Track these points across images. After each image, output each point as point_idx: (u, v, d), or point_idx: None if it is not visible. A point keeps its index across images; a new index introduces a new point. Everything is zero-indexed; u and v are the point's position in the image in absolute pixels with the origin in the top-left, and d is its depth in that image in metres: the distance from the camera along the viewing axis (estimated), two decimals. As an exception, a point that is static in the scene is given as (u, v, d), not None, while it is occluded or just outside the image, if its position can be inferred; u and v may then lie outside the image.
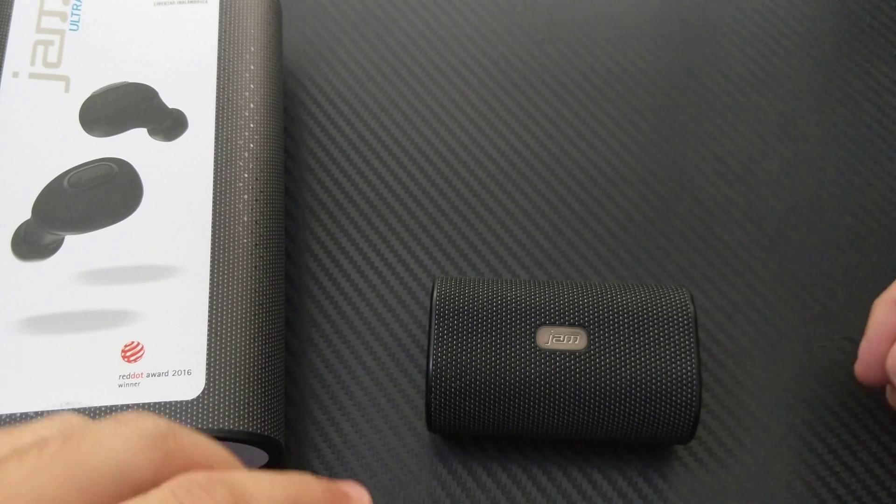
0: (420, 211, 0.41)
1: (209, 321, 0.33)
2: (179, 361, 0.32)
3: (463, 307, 0.34)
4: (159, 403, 0.31)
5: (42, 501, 0.17)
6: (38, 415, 0.31)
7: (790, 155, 0.43)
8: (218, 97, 0.38)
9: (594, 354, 0.33)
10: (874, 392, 0.38)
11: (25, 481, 0.17)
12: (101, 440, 0.18)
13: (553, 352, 0.33)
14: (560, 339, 0.33)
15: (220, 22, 0.39)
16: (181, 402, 0.31)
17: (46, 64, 0.38)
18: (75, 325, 0.33)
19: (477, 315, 0.33)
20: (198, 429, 0.31)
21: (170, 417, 0.31)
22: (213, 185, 0.36)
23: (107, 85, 0.38)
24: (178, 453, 0.19)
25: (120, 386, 0.32)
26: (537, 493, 0.35)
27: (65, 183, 0.35)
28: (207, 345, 0.32)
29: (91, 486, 0.18)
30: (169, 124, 0.37)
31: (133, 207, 0.35)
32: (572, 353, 0.33)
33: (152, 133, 0.37)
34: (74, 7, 0.40)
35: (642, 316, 0.33)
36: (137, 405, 0.31)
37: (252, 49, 0.39)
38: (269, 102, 0.39)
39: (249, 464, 0.33)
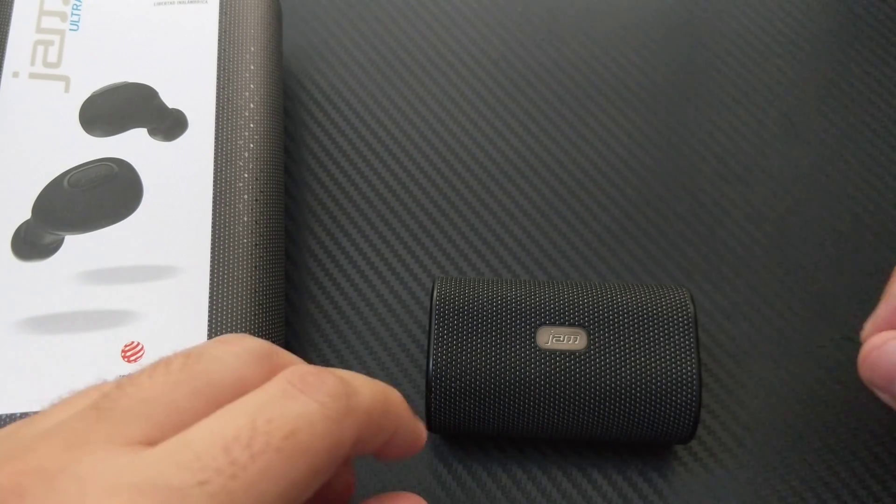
0: (420, 211, 0.41)
1: (209, 321, 0.33)
2: (179, 361, 0.32)
3: (463, 307, 0.34)
4: (159, 403, 0.31)
5: (177, 409, 0.19)
6: (38, 415, 0.31)
7: (790, 155, 0.43)
8: (218, 97, 0.38)
9: (594, 354, 0.33)
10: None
11: (160, 391, 0.19)
12: (218, 357, 0.20)
13: (553, 352, 0.33)
14: (560, 339, 0.33)
15: (220, 22, 0.39)
16: (181, 402, 0.31)
17: (46, 64, 0.38)
18: (75, 325, 0.33)
19: (477, 315, 0.33)
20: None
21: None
22: (213, 185, 0.36)
23: (107, 85, 0.38)
24: (282, 368, 0.20)
25: (120, 386, 0.32)
26: (537, 493, 0.35)
27: (65, 183, 0.35)
28: (207, 345, 0.32)
29: (215, 397, 0.19)
30: (169, 124, 0.37)
31: (133, 207, 0.35)
32: (572, 353, 0.33)
33: (152, 133, 0.37)
34: (74, 7, 0.40)
35: (642, 316, 0.33)
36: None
37: (252, 49, 0.39)
38: (269, 102, 0.39)
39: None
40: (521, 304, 0.34)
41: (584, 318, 0.33)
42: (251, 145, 0.37)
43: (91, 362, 0.32)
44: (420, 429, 0.25)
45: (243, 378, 0.20)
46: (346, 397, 0.20)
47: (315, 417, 0.19)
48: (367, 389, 0.21)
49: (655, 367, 0.33)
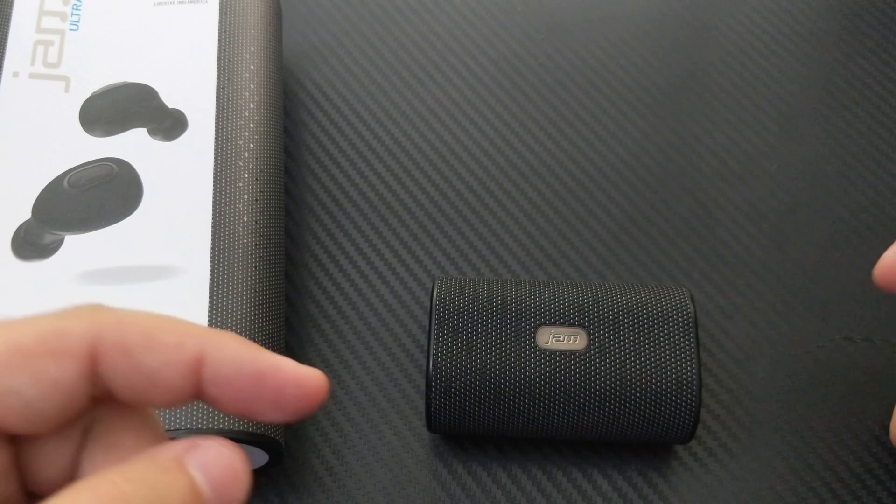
0: (420, 211, 0.41)
1: (209, 321, 0.33)
2: (179, 361, 0.32)
3: (463, 307, 0.34)
4: (159, 403, 0.31)
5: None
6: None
7: (790, 155, 0.43)
8: (218, 97, 0.38)
9: (594, 354, 0.33)
10: (874, 391, 0.38)
11: None
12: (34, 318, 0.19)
13: (553, 352, 0.33)
14: (560, 339, 0.33)
15: (220, 22, 0.39)
16: (181, 402, 0.31)
17: (46, 64, 0.38)
18: (75, 325, 0.33)
19: (477, 315, 0.33)
20: (198, 429, 0.31)
21: (170, 417, 0.31)
22: (213, 185, 0.36)
23: (107, 85, 0.38)
24: (109, 320, 0.19)
25: (120, 386, 0.31)
26: (537, 493, 0.35)
27: (65, 183, 0.35)
28: (207, 345, 0.32)
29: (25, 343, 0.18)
30: (169, 124, 0.37)
31: (133, 207, 0.35)
32: (572, 353, 0.33)
33: (152, 133, 0.37)
34: (74, 7, 0.40)
35: (642, 316, 0.34)
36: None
37: (252, 49, 0.39)
38: (269, 102, 0.39)
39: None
40: (521, 304, 0.34)
41: (584, 318, 0.33)
42: (251, 145, 0.37)
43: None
44: (298, 371, 0.19)
45: (62, 326, 0.19)
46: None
47: None
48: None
49: (655, 368, 0.33)
